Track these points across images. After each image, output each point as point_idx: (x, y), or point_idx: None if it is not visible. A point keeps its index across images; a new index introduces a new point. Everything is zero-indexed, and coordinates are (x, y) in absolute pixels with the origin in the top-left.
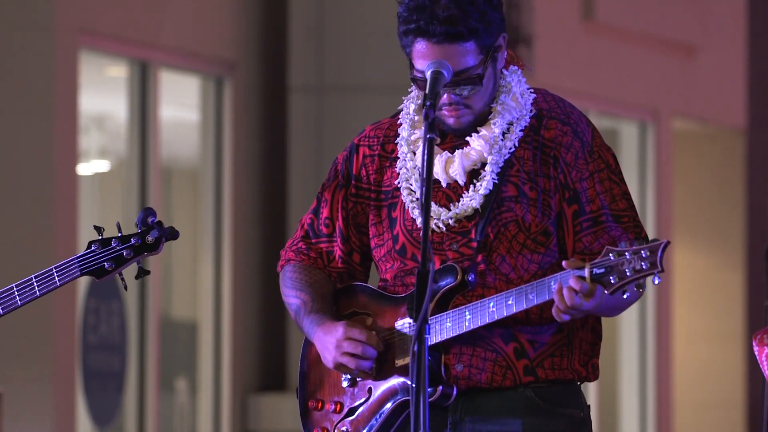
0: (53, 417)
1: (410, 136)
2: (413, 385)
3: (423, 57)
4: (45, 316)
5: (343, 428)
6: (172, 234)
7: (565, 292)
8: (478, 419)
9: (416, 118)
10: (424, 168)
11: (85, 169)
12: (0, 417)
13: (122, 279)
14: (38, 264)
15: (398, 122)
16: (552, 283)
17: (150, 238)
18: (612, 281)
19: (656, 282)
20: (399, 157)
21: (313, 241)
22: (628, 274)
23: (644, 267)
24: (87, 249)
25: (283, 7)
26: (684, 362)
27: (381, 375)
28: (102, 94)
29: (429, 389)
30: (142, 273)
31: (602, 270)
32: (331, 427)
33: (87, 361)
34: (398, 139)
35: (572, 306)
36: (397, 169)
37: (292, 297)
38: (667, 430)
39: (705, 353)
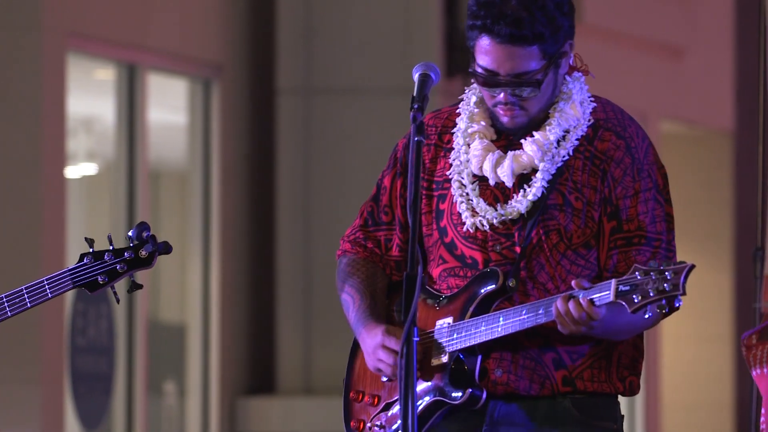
0: (41, 419)
1: (467, 128)
2: (402, 387)
3: (486, 54)
4: (33, 319)
5: (378, 422)
6: (166, 249)
7: (569, 304)
8: (513, 425)
9: (476, 110)
10: (413, 170)
11: (73, 171)
12: None
13: (115, 292)
14: (26, 266)
15: (457, 112)
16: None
17: (144, 253)
18: (635, 300)
19: (677, 305)
20: (454, 148)
21: (371, 229)
22: (651, 294)
23: (667, 288)
24: (79, 261)
25: (271, 9)
26: (672, 364)
27: (418, 373)
28: (90, 96)
29: (459, 392)
30: (135, 287)
31: (627, 288)
32: (368, 419)
33: (75, 363)
34: (455, 129)
35: (568, 319)
36: (450, 161)
37: (342, 291)
38: (655, 431)
39: (693, 355)
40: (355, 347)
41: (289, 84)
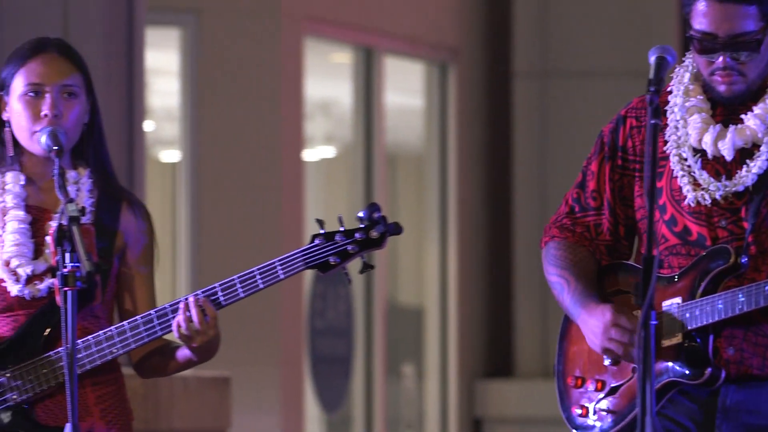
0: (281, 401)
1: (684, 102)
2: (641, 370)
3: (703, 16)
4: (272, 301)
5: (604, 406)
6: (397, 229)
7: None
8: (747, 413)
9: (691, 86)
10: (650, 151)
11: (311, 154)
12: (229, 401)
13: (346, 273)
14: (266, 248)
15: (668, 90)
16: None
17: (375, 234)
18: None
19: None
20: (668, 125)
21: (578, 215)
22: None
23: None
24: (310, 243)
25: None
26: None
27: None
28: (327, 80)
29: (697, 371)
30: (367, 267)
31: None
32: (591, 404)
33: (314, 346)
34: (668, 106)
35: None
36: (666, 137)
37: (554, 275)
38: None
39: None
40: (565, 332)
41: (525, 67)
